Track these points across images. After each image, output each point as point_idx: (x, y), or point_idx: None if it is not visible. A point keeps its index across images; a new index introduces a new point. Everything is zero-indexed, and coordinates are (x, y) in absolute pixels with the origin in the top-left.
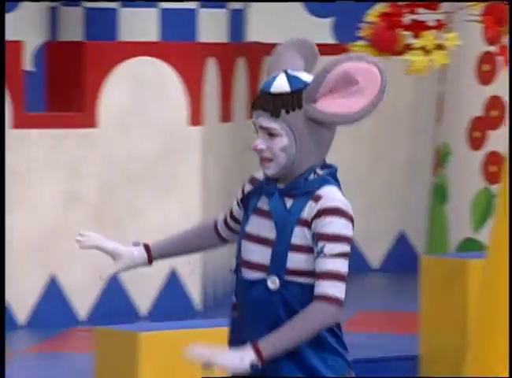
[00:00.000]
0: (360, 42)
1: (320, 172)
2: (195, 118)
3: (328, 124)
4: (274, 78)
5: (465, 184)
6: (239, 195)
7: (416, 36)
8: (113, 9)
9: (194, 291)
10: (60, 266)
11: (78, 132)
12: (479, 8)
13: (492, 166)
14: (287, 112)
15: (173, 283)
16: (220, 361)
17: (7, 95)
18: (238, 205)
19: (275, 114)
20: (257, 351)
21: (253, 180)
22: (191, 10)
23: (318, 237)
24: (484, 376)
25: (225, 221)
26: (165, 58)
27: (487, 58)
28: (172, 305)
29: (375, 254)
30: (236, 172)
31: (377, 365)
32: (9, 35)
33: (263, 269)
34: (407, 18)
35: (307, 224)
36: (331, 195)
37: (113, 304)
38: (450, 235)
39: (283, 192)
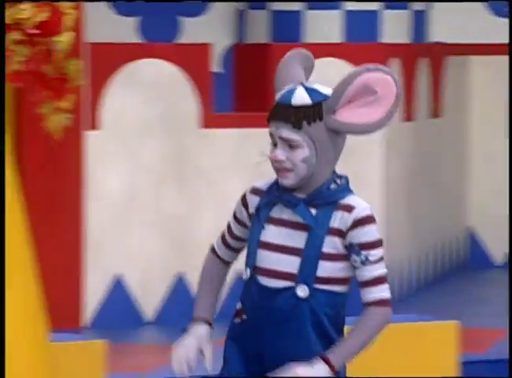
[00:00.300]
0: None
1: (338, 181)
2: None
3: (345, 134)
4: (292, 91)
5: None
6: (241, 210)
7: None
8: (298, 12)
9: None
10: None
11: (263, 132)
12: None
13: None
14: (309, 123)
15: None
16: (301, 374)
17: (197, 96)
18: (237, 220)
19: (297, 126)
20: (330, 365)
21: (256, 191)
22: (374, 12)
23: (360, 247)
24: None
25: (225, 244)
26: (349, 59)
27: None
28: None
29: None
30: (418, 171)
31: None
32: (199, 38)
33: (289, 278)
34: None
35: (340, 233)
36: (361, 204)
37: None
38: None
39: (306, 202)
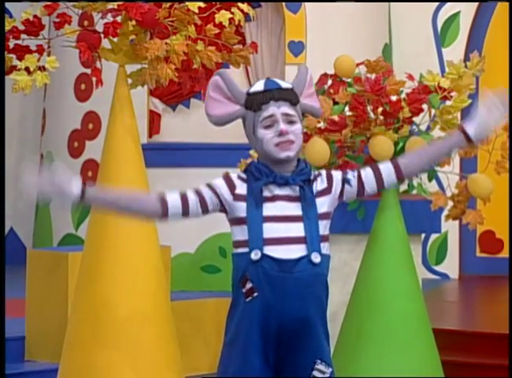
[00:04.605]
0: None
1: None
2: None
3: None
4: (270, 80)
5: None
6: (224, 189)
7: (20, 59)
8: None
9: None
10: None
11: None
12: (74, 35)
13: (89, 171)
14: (297, 103)
15: None
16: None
17: None
18: (215, 193)
19: (294, 103)
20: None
21: (242, 179)
22: None
23: (344, 174)
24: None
25: (185, 202)
26: None
27: (83, 79)
28: None
29: None
30: None
31: None
32: None
33: (299, 241)
34: (12, 42)
35: (324, 192)
36: (322, 171)
37: None
38: (53, 232)
39: (295, 179)
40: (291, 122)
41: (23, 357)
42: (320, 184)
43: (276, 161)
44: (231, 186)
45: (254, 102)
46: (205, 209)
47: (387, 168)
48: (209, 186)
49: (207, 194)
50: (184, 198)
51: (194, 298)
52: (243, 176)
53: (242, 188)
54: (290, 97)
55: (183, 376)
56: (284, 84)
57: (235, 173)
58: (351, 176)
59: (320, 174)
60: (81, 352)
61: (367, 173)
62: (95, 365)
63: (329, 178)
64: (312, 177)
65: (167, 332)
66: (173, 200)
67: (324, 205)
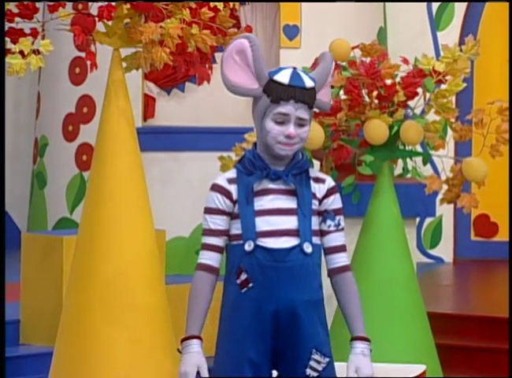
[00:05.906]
0: None
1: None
2: None
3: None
4: (296, 74)
5: (61, 171)
6: (224, 201)
7: (14, 42)
8: None
9: None
10: None
11: None
12: (69, 18)
13: (84, 155)
14: (313, 103)
15: None
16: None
17: None
18: (221, 214)
19: (311, 106)
20: (367, 339)
21: (232, 181)
22: None
23: (335, 212)
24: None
25: (216, 249)
26: None
27: (78, 62)
28: None
29: None
30: None
31: None
32: None
33: (292, 233)
34: (6, 26)
35: (316, 198)
36: (327, 176)
37: None
38: (48, 215)
39: (288, 173)
40: (301, 125)
41: (18, 341)
42: (318, 191)
43: (273, 154)
44: (228, 195)
45: (273, 93)
46: (227, 235)
47: (339, 258)
48: (214, 213)
49: (221, 225)
50: (218, 248)
51: (189, 281)
52: (232, 175)
53: (236, 191)
54: (310, 100)
55: (178, 359)
56: (308, 82)
57: (221, 177)
58: (331, 223)
59: (324, 181)
60: (76, 336)
61: (329, 240)
62: (90, 349)
63: (326, 196)
64: (307, 174)
65: (162, 316)
66: (216, 260)
67: (315, 204)
